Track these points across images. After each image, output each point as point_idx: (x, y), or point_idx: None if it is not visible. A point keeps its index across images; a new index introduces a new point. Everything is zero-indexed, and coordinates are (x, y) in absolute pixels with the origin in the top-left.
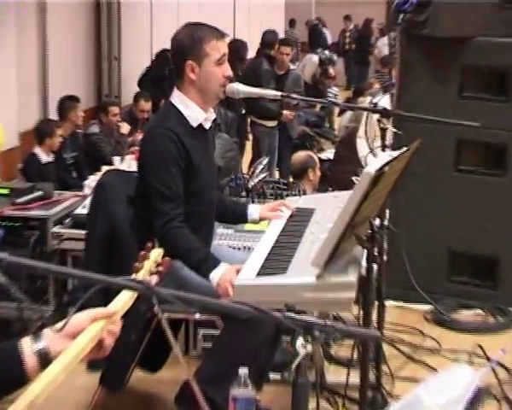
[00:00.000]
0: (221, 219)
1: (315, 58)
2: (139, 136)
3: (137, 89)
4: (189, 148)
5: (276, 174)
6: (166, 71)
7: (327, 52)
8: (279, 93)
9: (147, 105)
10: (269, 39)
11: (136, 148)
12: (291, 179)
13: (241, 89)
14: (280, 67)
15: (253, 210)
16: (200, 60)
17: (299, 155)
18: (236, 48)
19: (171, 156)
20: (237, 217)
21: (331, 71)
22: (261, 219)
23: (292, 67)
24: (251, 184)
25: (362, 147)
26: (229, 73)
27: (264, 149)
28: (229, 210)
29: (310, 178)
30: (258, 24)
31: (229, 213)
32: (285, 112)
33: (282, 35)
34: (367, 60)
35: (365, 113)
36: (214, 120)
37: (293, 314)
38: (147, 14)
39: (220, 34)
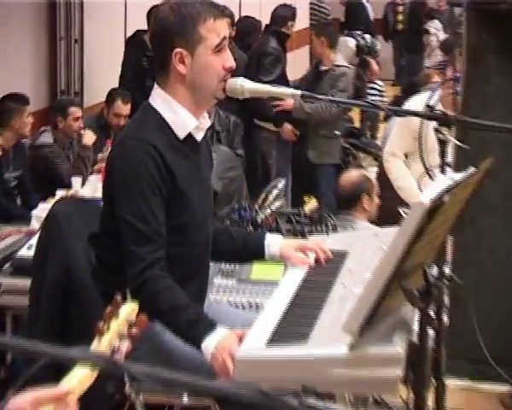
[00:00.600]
0: (224, 256)
1: (351, 43)
2: None
3: (106, 84)
4: (173, 166)
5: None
6: (145, 61)
7: (368, 37)
8: (298, 92)
9: (125, 108)
10: (280, 15)
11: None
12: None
13: (246, 86)
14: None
15: (272, 241)
16: (193, 46)
17: (350, 176)
18: (244, 30)
19: (149, 178)
20: (250, 251)
21: (375, 67)
22: (282, 258)
23: (338, 60)
24: (261, 216)
25: (392, 163)
26: (231, 63)
27: (271, 163)
28: (237, 242)
29: (364, 206)
30: None
31: (237, 247)
32: (286, 127)
33: (305, 10)
34: (420, 44)
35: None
36: (211, 127)
37: (313, 400)
38: None
39: (219, 11)
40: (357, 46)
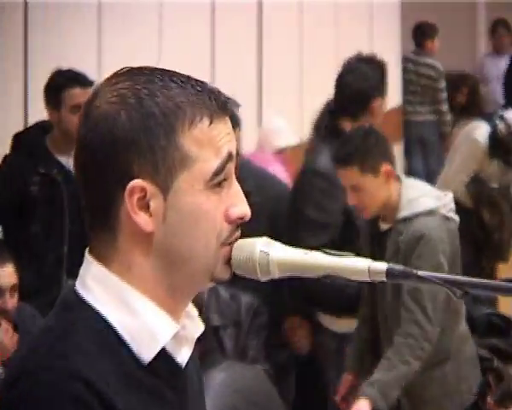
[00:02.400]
0: None
1: (481, 132)
2: None
3: None
4: None
5: None
6: (34, 186)
7: None
8: (381, 265)
9: (7, 275)
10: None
11: None
12: None
13: (273, 255)
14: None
15: None
16: (168, 176)
17: None
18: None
19: None
20: None
21: None
22: None
23: (411, 201)
24: None
25: None
26: (242, 210)
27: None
28: None
29: None
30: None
31: None
32: None
33: (395, 67)
34: None
35: None
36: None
37: None
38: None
39: (220, 103)
40: (492, 135)
